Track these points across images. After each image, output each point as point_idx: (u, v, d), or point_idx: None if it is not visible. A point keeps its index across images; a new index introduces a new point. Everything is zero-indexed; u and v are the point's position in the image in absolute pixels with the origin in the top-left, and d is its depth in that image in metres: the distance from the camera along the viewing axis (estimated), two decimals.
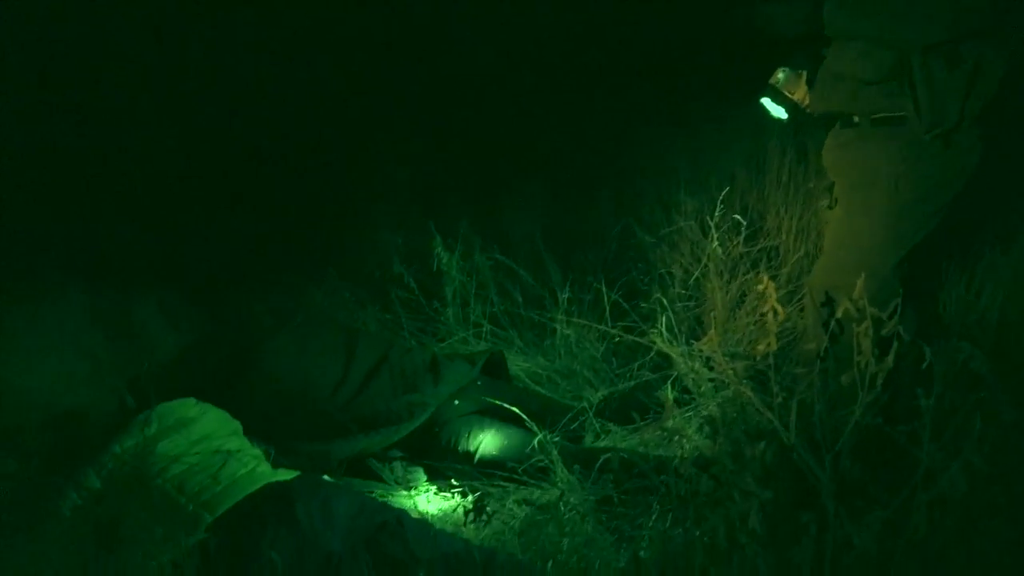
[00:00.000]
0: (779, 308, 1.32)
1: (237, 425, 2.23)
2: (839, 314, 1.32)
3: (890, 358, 1.25)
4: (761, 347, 1.44)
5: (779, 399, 1.34)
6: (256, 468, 2.02)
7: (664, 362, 2.54)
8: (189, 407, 2.19)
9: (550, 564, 1.85)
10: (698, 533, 1.21)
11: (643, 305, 2.79)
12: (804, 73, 2.06)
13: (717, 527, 1.13)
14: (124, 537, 1.60)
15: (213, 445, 2.05)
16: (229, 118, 3.19)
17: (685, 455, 1.62)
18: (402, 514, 1.89)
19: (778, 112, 2.15)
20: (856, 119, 1.98)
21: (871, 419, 1.26)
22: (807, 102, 2.09)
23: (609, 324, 2.62)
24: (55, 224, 2.77)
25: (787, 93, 2.09)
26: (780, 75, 2.10)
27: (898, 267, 1.93)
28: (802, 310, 2.54)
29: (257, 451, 2.14)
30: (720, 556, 1.15)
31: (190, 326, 2.38)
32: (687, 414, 2.19)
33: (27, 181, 2.82)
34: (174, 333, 2.43)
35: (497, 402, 2.37)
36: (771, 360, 1.43)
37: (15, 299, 2.31)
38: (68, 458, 1.88)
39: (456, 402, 2.41)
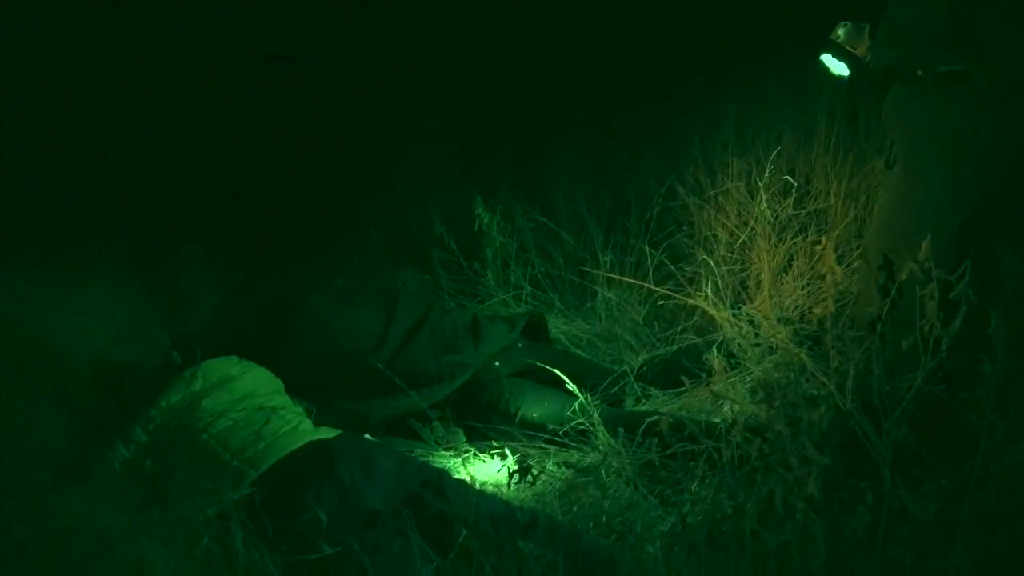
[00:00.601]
0: (836, 269, 1.27)
1: (279, 383, 2.25)
2: (903, 276, 1.26)
3: (957, 322, 1.19)
4: (819, 310, 1.39)
5: (836, 364, 1.29)
6: (298, 426, 2.03)
7: (709, 326, 2.50)
8: (232, 365, 2.21)
9: (591, 526, 1.85)
10: (748, 499, 1.18)
11: (686, 269, 2.73)
12: (867, 27, 1.97)
13: (774, 492, 1.09)
14: (172, 490, 1.62)
15: (256, 402, 2.07)
16: (270, 79, 3.17)
17: (734, 419, 1.58)
18: (443, 474, 1.90)
19: (839, 69, 2.07)
20: (919, 74, 1.89)
21: (934, 386, 1.21)
22: (869, 57, 2.00)
23: (651, 287, 2.57)
24: (100, 184, 2.80)
25: (849, 48, 2.00)
26: (841, 30, 2.01)
27: (960, 228, 1.85)
28: (854, 273, 2.47)
29: (299, 409, 2.15)
30: (774, 522, 1.12)
31: (232, 285, 2.39)
32: (732, 379, 2.14)
33: (75, 142, 2.85)
34: (217, 292, 2.44)
35: (538, 364, 2.35)
36: (827, 324, 1.38)
37: (63, 259, 2.34)
38: (115, 413, 1.91)
39: (496, 363, 2.40)
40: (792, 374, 1.56)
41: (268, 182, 2.98)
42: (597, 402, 2.20)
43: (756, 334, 2.18)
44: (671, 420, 1.52)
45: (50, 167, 2.72)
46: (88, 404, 1.81)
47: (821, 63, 2.14)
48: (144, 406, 1.94)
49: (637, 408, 2.43)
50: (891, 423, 1.21)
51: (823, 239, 1.25)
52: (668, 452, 1.54)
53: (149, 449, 1.83)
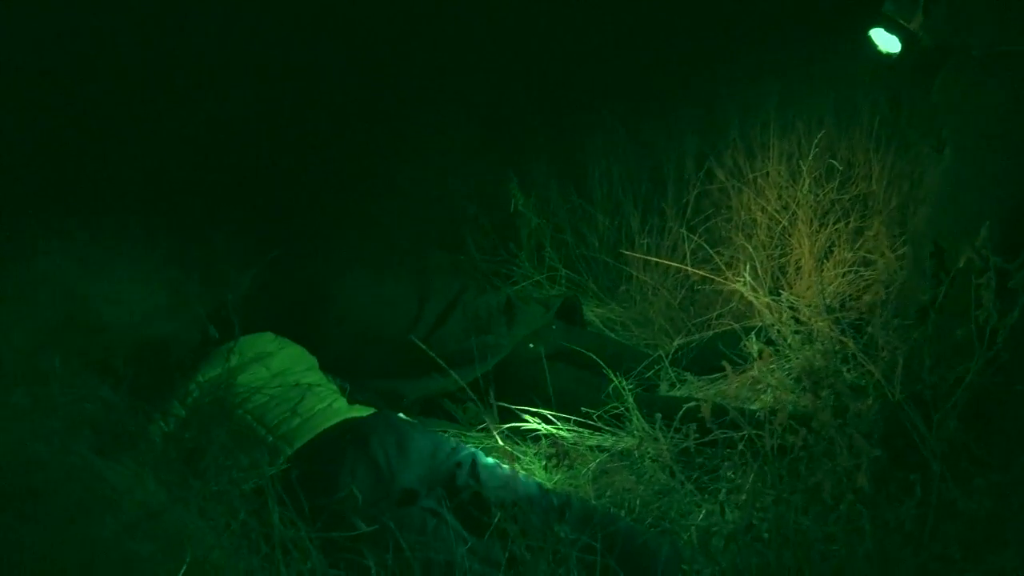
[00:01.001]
0: (888, 255, 1.23)
1: (313, 360, 2.26)
2: (961, 263, 1.22)
3: (1016, 313, 1.15)
4: (867, 297, 1.36)
5: (884, 353, 1.26)
6: (333, 404, 2.04)
7: (747, 312, 2.46)
8: (268, 341, 2.22)
9: (624, 511, 1.84)
10: (792, 489, 1.16)
11: (724, 253, 2.69)
12: (921, 1, 1.90)
13: (822, 483, 1.07)
14: (210, 464, 1.64)
15: (291, 379, 2.08)
16: (304, 57, 3.16)
17: (775, 407, 1.55)
18: (476, 455, 1.89)
19: (889, 45, 2.00)
20: (974, 53, 1.83)
21: (989, 377, 1.17)
22: (921, 34, 1.93)
23: (689, 270, 2.54)
24: (142, 160, 2.82)
25: (901, 22, 1.93)
26: (892, 3, 1.94)
27: (1014, 215, 1.79)
28: (897, 260, 2.41)
29: (333, 387, 2.16)
30: (819, 513, 1.10)
31: (269, 263, 2.40)
32: (771, 366, 2.11)
33: (111, 119, 2.87)
34: (253, 269, 2.46)
35: (572, 347, 2.33)
36: (876, 311, 1.35)
37: (102, 236, 2.37)
38: (154, 386, 1.93)
39: (531, 345, 2.38)
40: (835, 362, 1.53)
41: (304, 160, 2.98)
42: (631, 386, 2.18)
43: (796, 320, 2.14)
44: (712, 406, 1.49)
45: (93, 144, 2.75)
46: (128, 376, 1.83)
47: (869, 38, 2.07)
48: (182, 380, 1.96)
49: (671, 393, 2.40)
50: (942, 415, 1.18)
51: (875, 223, 1.21)
52: (707, 439, 1.52)
53: (187, 423, 1.85)
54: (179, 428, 1.83)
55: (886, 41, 2.03)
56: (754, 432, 1.35)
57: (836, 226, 2.54)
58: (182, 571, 1.28)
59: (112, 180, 2.73)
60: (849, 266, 2.51)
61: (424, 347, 1.94)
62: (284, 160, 2.97)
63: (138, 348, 2.08)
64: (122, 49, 2.87)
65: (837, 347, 1.65)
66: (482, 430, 2.22)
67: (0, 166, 2.47)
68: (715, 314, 2.59)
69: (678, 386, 2.42)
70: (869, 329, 1.77)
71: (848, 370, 1.59)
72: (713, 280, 2.59)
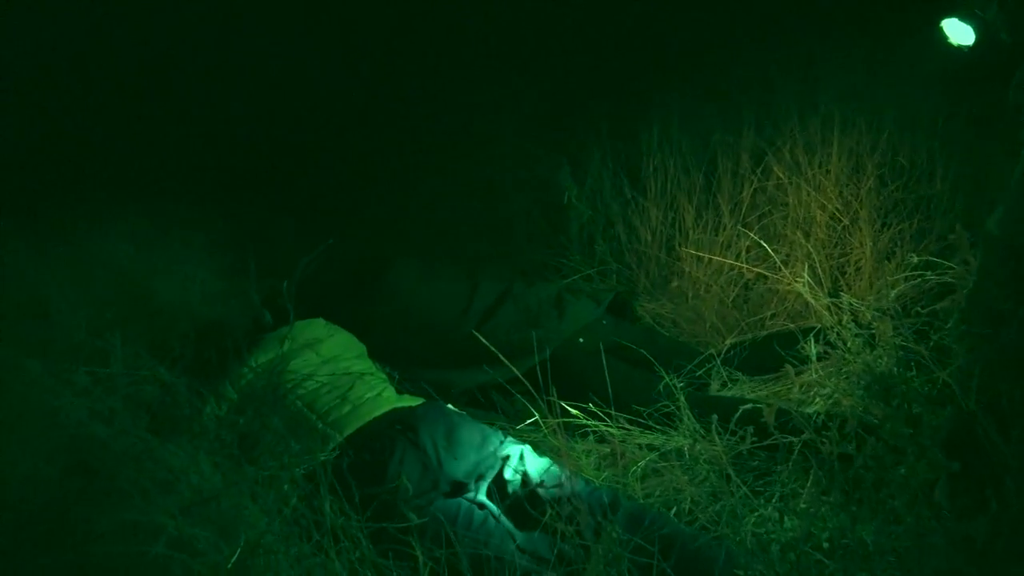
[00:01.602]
0: (971, 259, 1.18)
1: (363, 348, 2.26)
2: None
3: None
4: (933, 302, 1.30)
5: (956, 360, 1.21)
6: (382, 392, 2.04)
7: (803, 312, 2.40)
8: (319, 327, 2.23)
9: (673, 512, 1.80)
10: (858, 499, 1.11)
11: (779, 250, 2.62)
12: None
13: (894, 496, 1.02)
14: (264, 449, 1.65)
15: (342, 366, 2.09)
16: (358, 40, 3.16)
17: (833, 411, 1.50)
18: (524, 449, 1.87)
19: (961, 37, 1.91)
20: None
21: None
22: (999, 25, 1.85)
23: (744, 267, 2.48)
24: (196, 146, 2.86)
25: (978, 12, 1.84)
26: None
27: None
28: (961, 264, 2.32)
29: (382, 375, 2.16)
30: (885, 524, 1.05)
31: (322, 250, 2.41)
32: (830, 370, 2.05)
33: (173, 102, 2.91)
34: (307, 256, 2.47)
35: (622, 342, 2.30)
36: (946, 318, 1.29)
37: (161, 221, 2.41)
38: (208, 369, 1.95)
39: (580, 340, 2.35)
40: (900, 369, 1.48)
41: (360, 149, 2.99)
42: (681, 384, 2.13)
43: (855, 323, 2.07)
44: (776, 409, 1.45)
45: (153, 128, 2.79)
46: (184, 359, 1.85)
47: (940, 30, 1.98)
48: (236, 364, 1.98)
49: (721, 393, 2.36)
50: (1021, 429, 1.12)
51: (956, 226, 1.16)
52: (765, 443, 1.47)
53: (240, 407, 1.87)
54: (232, 412, 1.85)
55: (959, 32, 1.94)
56: (816, 438, 1.31)
57: (900, 227, 2.46)
58: (235, 555, 1.29)
59: (172, 165, 2.78)
60: (912, 269, 2.43)
61: (480, 337, 1.92)
62: (340, 149, 2.98)
63: (195, 331, 2.10)
64: (182, 30, 2.90)
65: (901, 353, 1.59)
66: (530, 424, 2.20)
67: (65, 150, 2.52)
68: (769, 313, 2.53)
69: (729, 386, 2.37)
70: (934, 336, 1.71)
71: (913, 377, 1.53)
72: (768, 278, 2.53)
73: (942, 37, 1.99)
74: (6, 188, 1.94)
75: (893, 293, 1.95)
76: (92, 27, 2.79)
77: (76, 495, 1.29)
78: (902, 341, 1.48)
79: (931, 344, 1.56)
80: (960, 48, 1.98)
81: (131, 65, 2.84)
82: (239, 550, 1.28)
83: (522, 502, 1.71)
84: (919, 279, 2.36)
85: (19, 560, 1.19)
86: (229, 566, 1.25)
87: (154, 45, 2.87)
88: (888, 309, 1.78)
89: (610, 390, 2.21)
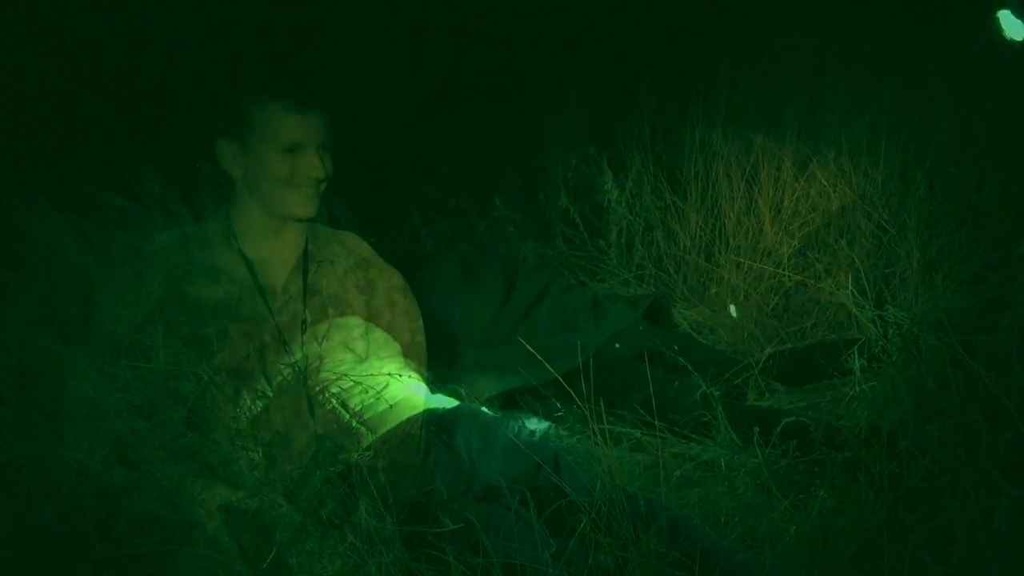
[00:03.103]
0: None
1: (396, 347, 2.26)
2: None
3: None
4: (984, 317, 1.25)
5: (1019, 381, 1.16)
6: (417, 392, 2.03)
7: (845, 322, 2.34)
8: (354, 325, 2.23)
9: (708, 524, 1.76)
10: (910, 522, 1.08)
11: (822, 259, 2.57)
12: None
13: (953, 522, 0.99)
14: (298, 446, 1.65)
15: (376, 365, 2.08)
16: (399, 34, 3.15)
17: (879, 426, 1.46)
18: (559, 454, 1.85)
19: (1017, 31, 1.84)
20: None
21: None
22: None
23: (786, 275, 2.44)
24: None
25: None
26: None
27: None
28: (1011, 279, 2.25)
29: (417, 375, 2.15)
30: (938, 548, 1.02)
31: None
32: (872, 383, 2.00)
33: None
34: None
35: (659, 348, 2.26)
36: (1000, 333, 1.25)
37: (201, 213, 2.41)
38: (243, 365, 1.95)
39: (617, 345, 2.33)
40: (953, 386, 1.43)
41: (400, 145, 2.98)
42: (718, 393, 2.10)
43: (900, 335, 2.02)
44: (826, 425, 1.41)
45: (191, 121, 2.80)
46: (220, 354, 1.85)
47: (996, 21, 1.92)
48: (272, 360, 1.98)
49: (758, 403, 2.31)
50: None
51: (989, 237, 1.12)
52: (810, 457, 1.43)
53: (275, 403, 1.87)
54: (267, 408, 1.85)
55: (1015, 27, 1.88)
56: (864, 454, 1.27)
57: (949, 238, 2.39)
58: (272, 553, 1.28)
59: (212, 158, 2.78)
60: (961, 282, 2.36)
61: (520, 340, 1.90)
62: (379, 144, 2.97)
63: (231, 327, 2.10)
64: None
65: (953, 370, 1.54)
66: (566, 428, 2.18)
67: (108, 146, 2.54)
68: (810, 323, 2.48)
69: (767, 396, 2.33)
70: (986, 351, 1.65)
71: (966, 396, 1.48)
72: (808, 286, 2.48)
73: (997, 28, 1.93)
74: (61, 184, 1.96)
75: (941, 305, 1.89)
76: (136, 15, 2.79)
77: (118, 488, 1.30)
78: (959, 356, 1.43)
79: (983, 360, 1.51)
80: (1013, 42, 1.91)
81: (167, 54, 2.84)
82: (275, 549, 1.27)
83: (560, 507, 1.69)
84: (968, 292, 2.31)
85: (63, 552, 1.20)
86: (265, 565, 1.24)
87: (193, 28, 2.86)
88: (937, 323, 1.72)
89: (645, 397, 2.18)
